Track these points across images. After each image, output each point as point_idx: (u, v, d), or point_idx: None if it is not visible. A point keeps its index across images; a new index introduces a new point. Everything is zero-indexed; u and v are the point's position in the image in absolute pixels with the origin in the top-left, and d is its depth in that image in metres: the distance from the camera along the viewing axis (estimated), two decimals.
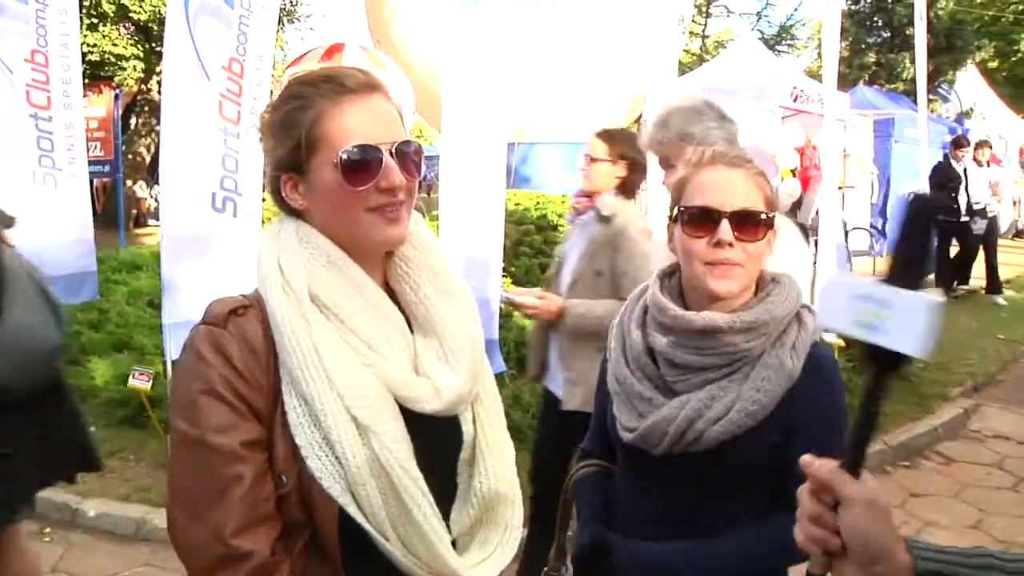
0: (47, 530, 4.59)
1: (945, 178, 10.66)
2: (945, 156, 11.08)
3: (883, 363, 0.98)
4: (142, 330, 6.82)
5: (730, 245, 1.61)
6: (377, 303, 1.37)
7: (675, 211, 1.71)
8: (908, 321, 0.94)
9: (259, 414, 1.30)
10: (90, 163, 12.84)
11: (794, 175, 12.30)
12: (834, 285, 1.02)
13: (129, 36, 15.23)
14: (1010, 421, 6.75)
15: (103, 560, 4.33)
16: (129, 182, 16.21)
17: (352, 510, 1.27)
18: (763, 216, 1.63)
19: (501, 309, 6.58)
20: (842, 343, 6.63)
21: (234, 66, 4.29)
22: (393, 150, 1.33)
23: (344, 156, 1.30)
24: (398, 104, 1.42)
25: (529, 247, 7.66)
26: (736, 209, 1.62)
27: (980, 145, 11.78)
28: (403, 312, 1.43)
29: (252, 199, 4.39)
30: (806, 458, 1.05)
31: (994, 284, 11.23)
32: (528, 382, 5.16)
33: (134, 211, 17.10)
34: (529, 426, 4.74)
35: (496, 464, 1.44)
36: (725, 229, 1.61)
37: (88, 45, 13.99)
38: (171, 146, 4.28)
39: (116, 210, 14.36)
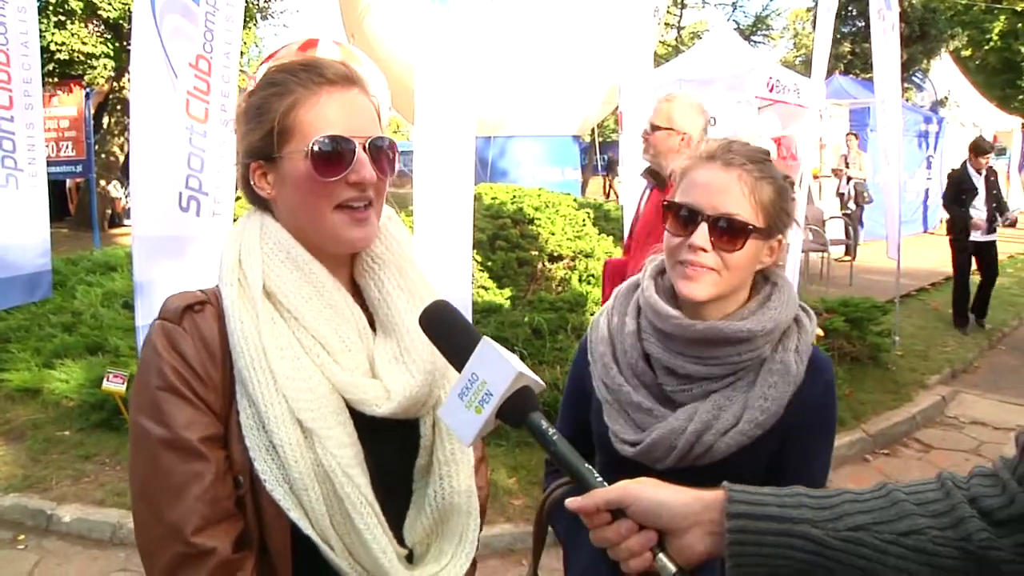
0: (21, 537, 4.52)
1: (958, 190, 9.32)
2: (963, 164, 9.39)
3: (516, 412, 1.13)
4: (117, 332, 6.73)
5: (703, 250, 1.51)
6: (335, 302, 1.34)
7: (663, 203, 1.62)
8: (492, 370, 1.13)
9: (216, 412, 1.28)
10: (62, 163, 12.97)
11: None
12: (444, 414, 1.18)
13: (98, 34, 15.03)
14: (988, 407, 6.81)
15: (78, 566, 4.27)
16: (103, 182, 16.00)
17: (295, 515, 1.23)
18: (745, 226, 1.51)
19: (475, 304, 6.55)
20: (820, 332, 6.69)
21: (201, 64, 4.22)
22: (367, 145, 1.31)
23: (316, 146, 1.28)
24: (376, 101, 1.39)
25: (505, 241, 7.61)
26: (717, 214, 1.51)
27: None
28: (367, 310, 1.40)
29: (219, 198, 4.33)
30: (569, 502, 1.12)
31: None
32: None
33: (108, 211, 16.91)
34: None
35: (453, 474, 1.39)
36: (700, 233, 1.51)
37: (56, 43, 13.80)
38: (140, 146, 4.20)
39: (90, 210, 14.21)
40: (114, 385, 5.26)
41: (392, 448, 1.37)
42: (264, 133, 1.31)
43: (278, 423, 1.23)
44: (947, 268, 12.24)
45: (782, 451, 1.59)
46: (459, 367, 1.17)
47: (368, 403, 1.29)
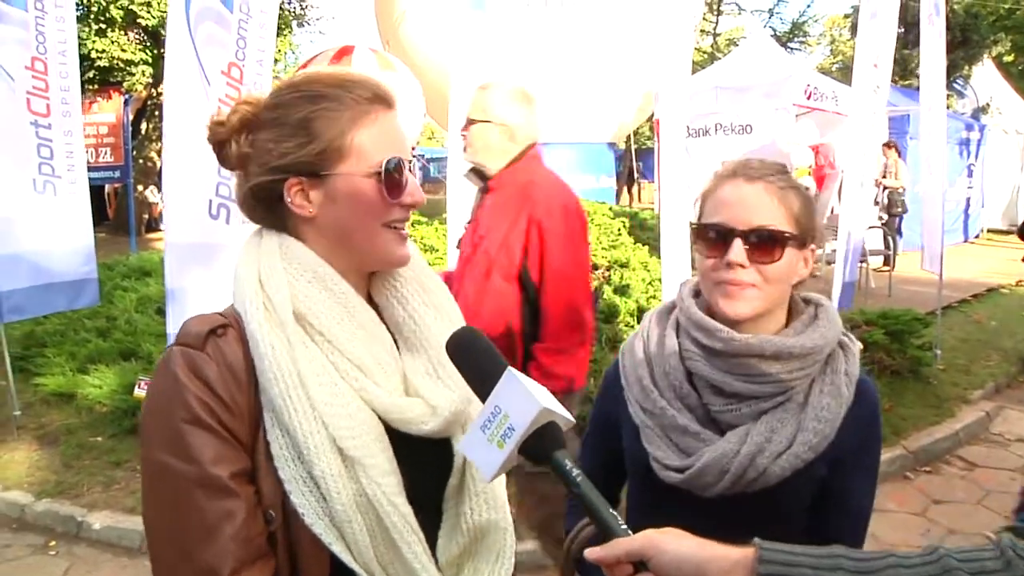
0: (52, 543, 4.54)
1: None
2: None
3: (540, 449, 1.08)
4: (150, 338, 6.77)
5: (741, 266, 1.48)
6: (366, 322, 1.30)
7: (693, 226, 1.60)
8: (515, 403, 1.08)
9: (243, 443, 1.21)
10: (101, 169, 13.16)
11: (809, 173, 12.17)
12: (465, 447, 1.14)
13: (138, 41, 15.23)
14: None
15: (108, 573, 4.27)
16: (140, 187, 16.21)
17: (337, 549, 1.18)
18: (781, 235, 1.48)
19: None
20: (859, 345, 6.55)
21: (233, 71, 4.22)
22: (411, 167, 1.32)
23: (386, 168, 1.27)
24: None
25: None
26: (750, 227, 1.48)
27: None
28: (388, 329, 1.36)
29: None
30: (589, 552, 1.06)
31: None
32: None
33: (146, 216, 17.12)
34: None
35: (488, 491, 1.34)
36: (736, 249, 1.47)
37: (97, 51, 14.02)
38: (173, 153, 4.22)
39: (127, 215, 14.39)
40: (145, 392, 5.26)
41: (424, 470, 1.32)
42: (319, 150, 1.26)
43: (318, 453, 1.18)
44: (989, 279, 12.02)
45: (831, 477, 1.54)
46: (483, 398, 1.13)
47: (414, 422, 1.26)
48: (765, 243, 1.48)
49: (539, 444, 1.08)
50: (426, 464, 1.32)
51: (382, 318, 1.36)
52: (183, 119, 4.18)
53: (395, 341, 1.36)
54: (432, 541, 1.31)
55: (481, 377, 1.15)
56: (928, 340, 7.57)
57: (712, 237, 1.52)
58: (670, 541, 1.04)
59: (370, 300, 1.38)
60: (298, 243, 1.30)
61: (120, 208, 16.56)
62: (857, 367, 1.57)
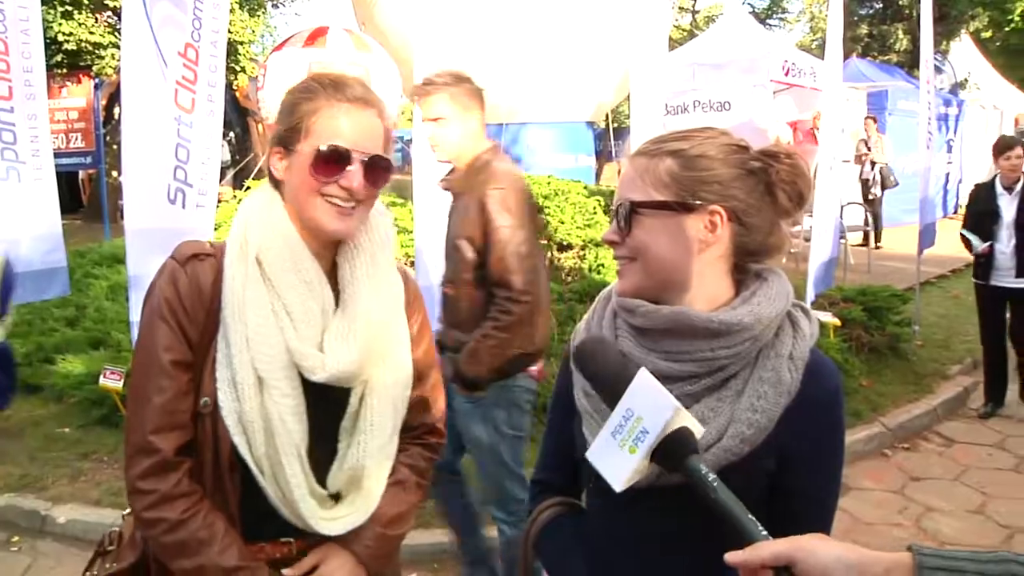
0: (15, 539, 4.44)
1: (972, 212, 6.56)
2: (993, 180, 6.32)
3: (673, 454, 1.08)
4: (119, 326, 6.63)
5: (616, 243, 1.47)
6: (311, 279, 1.62)
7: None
8: (649, 404, 1.09)
9: (191, 343, 1.59)
10: (72, 154, 12.95)
11: None
12: (594, 456, 1.15)
13: (107, 24, 14.91)
14: (1011, 398, 6.52)
15: (72, 568, 4.16)
16: (114, 173, 15.94)
17: (238, 440, 1.56)
18: (629, 205, 1.43)
19: None
20: (837, 322, 6.50)
21: (189, 52, 4.07)
22: (365, 159, 1.58)
23: (320, 149, 1.56)
24: (388, 124, 1.68)
25: None
26: (617, 205, 1.47)
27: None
28: (337, 288, 1.68)
29: (203, 190, 4.18)
30: (730, 556, 1.04)
31: None
32: None
33: (120, 202, 16.86)
34: None
35: (371, 441, 1.68)
36: (611, 228, 1.49)
37: (64, 34, 13.71)
38: (131, 137, 4.07)
39: (100, 202, 14.18)
40: (111, 382, 5.16)
41: (326, 410, 1.65)
42: (289, 127, 1.60)
43: (241, 365, 1.55)
44: (967, 254, 11.98)
45: (781, 472, 1.41)
46: (612, 404, 1.16)
47: (308, 369, 1.59)
48: (625, 218, 1.45)
49: (673, 448, 1.08)
50: (328, 405, 1.65)
51: (336, 277, 1.68)
52: (141, 102, 4.05)
53: (337, 299, 1.67)
54: (327, 469, 1.67)
55: (611, 382, 1.18)
56: (906, 316, 7.56)
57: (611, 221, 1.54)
58: (819, 544, 1.02)
59: (335, 262, 1.70)
60: (280, 202, 1.65)
61: (94, 194, 16.30)
62: (806, 348, 1.42)
